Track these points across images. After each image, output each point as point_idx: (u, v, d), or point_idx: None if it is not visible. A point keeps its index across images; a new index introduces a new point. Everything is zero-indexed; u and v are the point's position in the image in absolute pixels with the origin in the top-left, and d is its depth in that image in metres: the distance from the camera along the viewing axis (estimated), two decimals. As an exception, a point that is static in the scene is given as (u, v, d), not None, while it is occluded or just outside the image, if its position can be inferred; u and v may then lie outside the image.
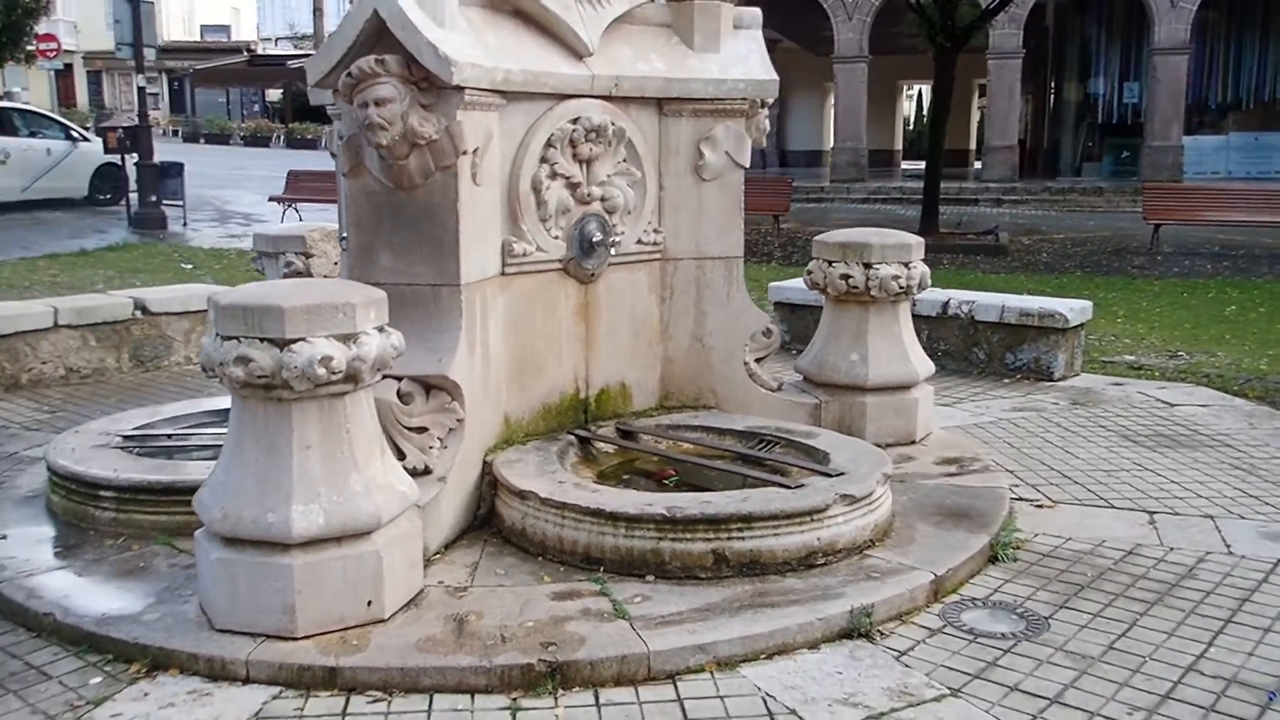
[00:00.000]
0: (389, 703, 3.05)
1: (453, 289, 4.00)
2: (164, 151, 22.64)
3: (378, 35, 3.82)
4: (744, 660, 3.27)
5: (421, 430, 3.97)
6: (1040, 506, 4.69)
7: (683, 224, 4.95)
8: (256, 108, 43.82)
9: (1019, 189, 23.24)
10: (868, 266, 5.19)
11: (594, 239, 4.56)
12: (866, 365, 5.23)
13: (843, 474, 4.07)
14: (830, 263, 5.28)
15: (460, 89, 3.85)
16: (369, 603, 3.32)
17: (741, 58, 4.94)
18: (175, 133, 41.84)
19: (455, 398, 4.02)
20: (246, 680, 3.15)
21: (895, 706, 3.03)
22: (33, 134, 18.53)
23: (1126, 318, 9.88)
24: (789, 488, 3.92)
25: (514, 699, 3.07)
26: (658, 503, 3.74)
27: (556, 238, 4.49)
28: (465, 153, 3.93)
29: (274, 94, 44.03)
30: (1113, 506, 4.69)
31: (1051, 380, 7.12)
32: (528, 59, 4.26)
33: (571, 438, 4.57)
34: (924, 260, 5.37)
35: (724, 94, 4.86)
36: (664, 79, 4.74)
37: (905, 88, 37.77)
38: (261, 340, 3.15)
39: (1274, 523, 4.49)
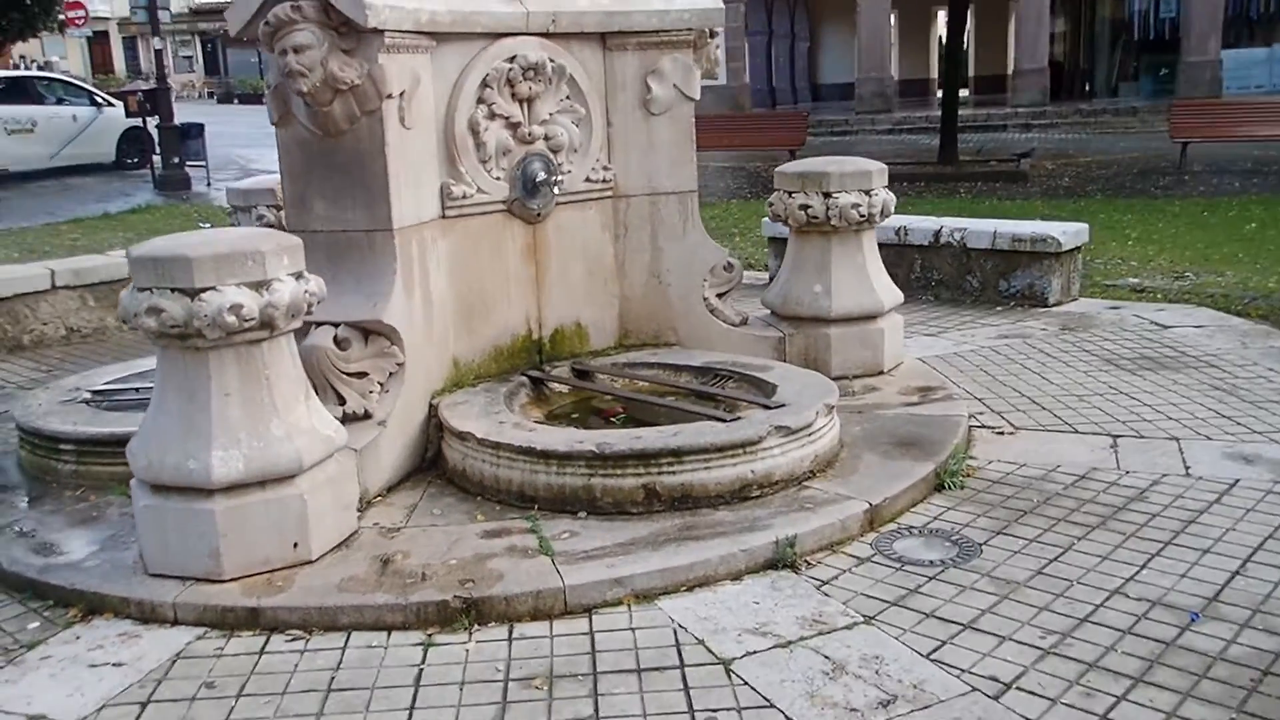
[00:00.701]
0: (306, 640, 3.11)
1: (385, 234, 4.00)
2: (197, 113, 22.83)
3: (292, -20, 3.79)
4: (663, 593, 3.28)
5: (361, 375, 4.00)
6: (1001, 433, 4.63)
7: (633, 160, 4.89)
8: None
9: (1049, 112, 22.65)
10: (827, 195, 5.10)
11: (538, 178, 4.53)
12: (830, 296, 5.17)
13: (783, 406, 4.04)
14: (790, 193, 5.20)
15: (380, 32, 3.82)
16: (295, 545, 3.37)
17: (687, -13, 4.85)
18: (210, 94, 42.08)
19: (394, 342, 4.03)
20: (175, 622, 3.23)
21: (805, 635, 3.02)
22: (59, 101, 18.74)
23: (1139, 240, 9.65)
24: (724, 421, 3.90)
25: (429, 635, 3.11)
26: (589, 440, 3.75)
27: (499, 179, 4.47)
28: (390, 96, 3.91)
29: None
30: (1076, 431, 4.62)
31: (1046, 306, 7.00)
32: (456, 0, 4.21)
33: (524, 379, 4.58)
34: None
35: (668, 25, 4.77)
36: (605, 12, 4.67)
37: (938, 13, 36.81)
38: (172, 290, 3.18)
39: (1241, 443, 4.40)
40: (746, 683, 2.80)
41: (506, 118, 4.45)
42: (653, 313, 5.04)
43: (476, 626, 3.15)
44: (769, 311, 5.41)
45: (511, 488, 3.81)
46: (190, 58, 45.40)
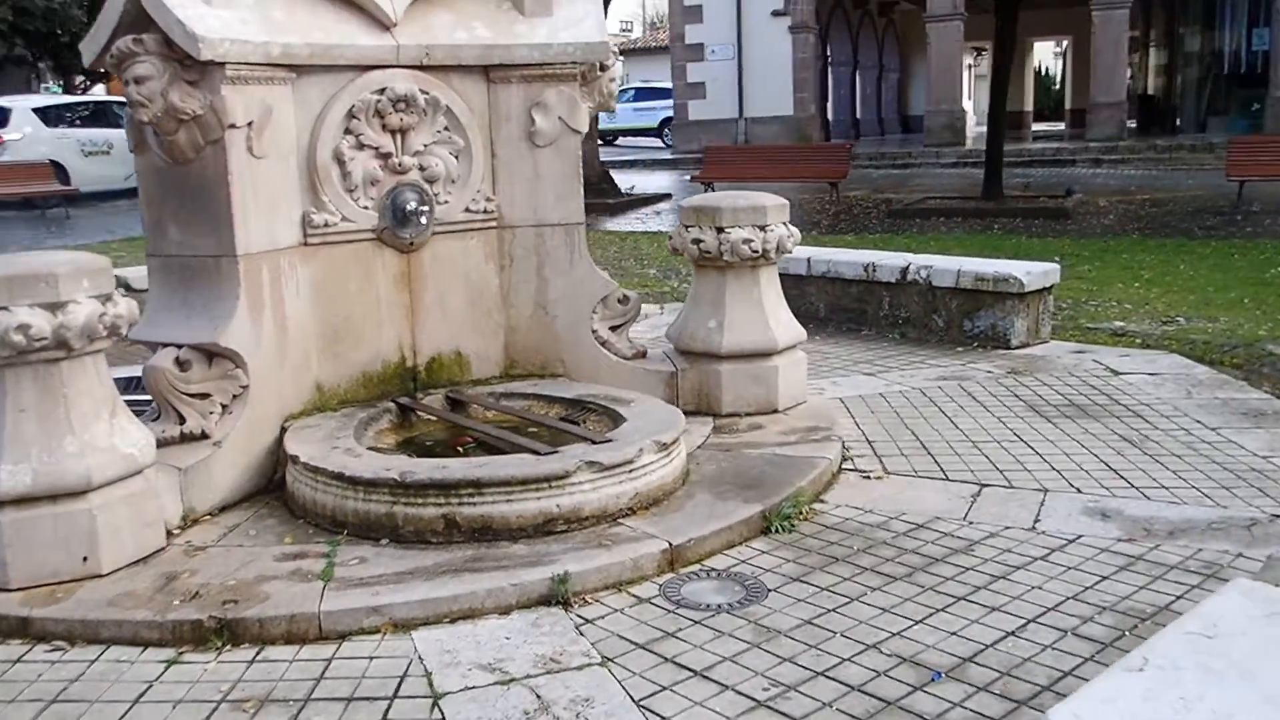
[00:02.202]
0: (65, 652, 3.20)
1: (230, 259, 4.12)
2: None
3: (139, 14, 3.94)
4: (423, 624, 3.28)
5: (204, 396, 4.11)
6: (868, 478, 4.52)
7: (519, 191, 4.93)
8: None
9: (1121, 148, 21.94)
10: (720, 230, 5.07)
11: (408, 208, 4.60)
12: (722, 332, 5.12)
13: (608, 441, 4.01)
14: (686, 227, 5.18)
15: (220, 64, 3.94)
16: (84, 559, 3.47)
17: (575, 21, 4.88)
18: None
19: (238, 365, 4.14)
20: (-43, 629, 3.35)
21: (532, 673, 3.00)
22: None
23: (1148, 282, 9.30)
24: (538, 454, 3.89)
25: (180, 653, 3.17)
26: (395, 468, 3.78)
27: (366, 208, 4.56)
28: (234, 126, 4.03)
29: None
30: (947, 479, 4.48)
31: (1008, 347, 6.80)
32: (318, 32, 4.32)
33: (390, 405, 4.64)
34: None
35: (551, 58, 4.81)
36: (484, 46, 4.73)
37: (1034, 44, 36.13)
38: (-33, 309, 3.32)
39: (1112, 497, 4.21)
40: (443, 718, 2.79)
41: (376, 148, 4.54)
42: (539, 344, 5.06)
43: (229, 647, 3.19)
44: (672, 345, 5.38)
45: (325, 512, 3.87)
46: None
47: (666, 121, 30.71)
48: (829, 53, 31.03)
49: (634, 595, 3.47)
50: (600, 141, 33.86)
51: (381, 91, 4.50)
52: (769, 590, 3.49)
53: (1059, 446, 4.85)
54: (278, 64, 4.17)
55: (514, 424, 4.60)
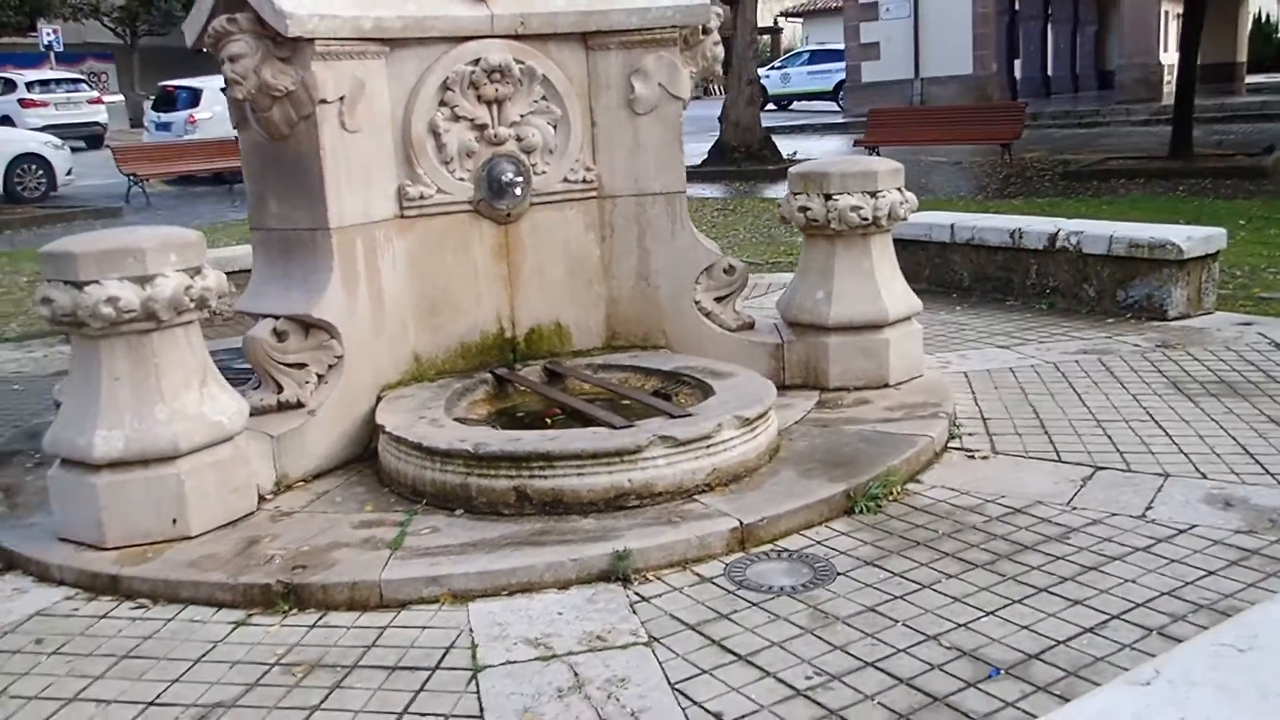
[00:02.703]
0: (147, 609, 3.36)
1: (324, 233, 4.21)
2: None
3: (234, -6, 4.06)
4: (482, 595, 3.29)
5: (300, 366, 4.23)
6: (973, 457, 4.27)
7: (619, 160, 4.86)
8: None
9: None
10: (827, 198, 4.86)
11: (503, 179, 4.60)
12: (830, 303, 4.93)
13: (687, 415, 3.92)
14: (795, 194, 5.00)
15: (310, 40, 4.02)
16: (174, 520, 3.64)
17: (674, -17, 4.76)
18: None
19: (333, 335, 4.24)
20: (60, 583, 3.57)
21: (575, 650, 2.96)
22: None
23: (1344, 247, 8.47)
24: (614, 427, 3.83)
25: (249, 615, 3.29)
26: (470, 439, 3.80)
27: (462, 179, 4.58)
28: (325, 101, 4.11)
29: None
30: (1060, 460, 4.19)
31: (1164, 319, 6.32)
32: (411, 4, 4.36)
33: (487, 376, 4.67)
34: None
35: (650, 23, 4.71)
36: (580, 12, 4.67)
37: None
38: (64, 283, 3.52)
39: (1240, 484, 3.85)
40: (478, 692, 2.79)
41: (472, 119, 4.55)
42: (641, 315, 5.00)
43: (295, 611, 3.29)
44: (780, 316, 5.22)
45: (406, 481, 3.93)
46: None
47: (842, 85, 29.97)
48: (1017, 6, 29.56)
49: (697, 574, 3.39)
50: (774, 106, 33.45)
51: (476, 63, 4.50)
52: (838, 574, 3.34)
53: (1194, 427, 4.46)
54: (369, 38, 4.23)
55: (608, 396, 4.57)
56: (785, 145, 19.42)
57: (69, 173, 18.21)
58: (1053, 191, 12.93)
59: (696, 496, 3.75)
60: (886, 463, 3.99)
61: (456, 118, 4.53)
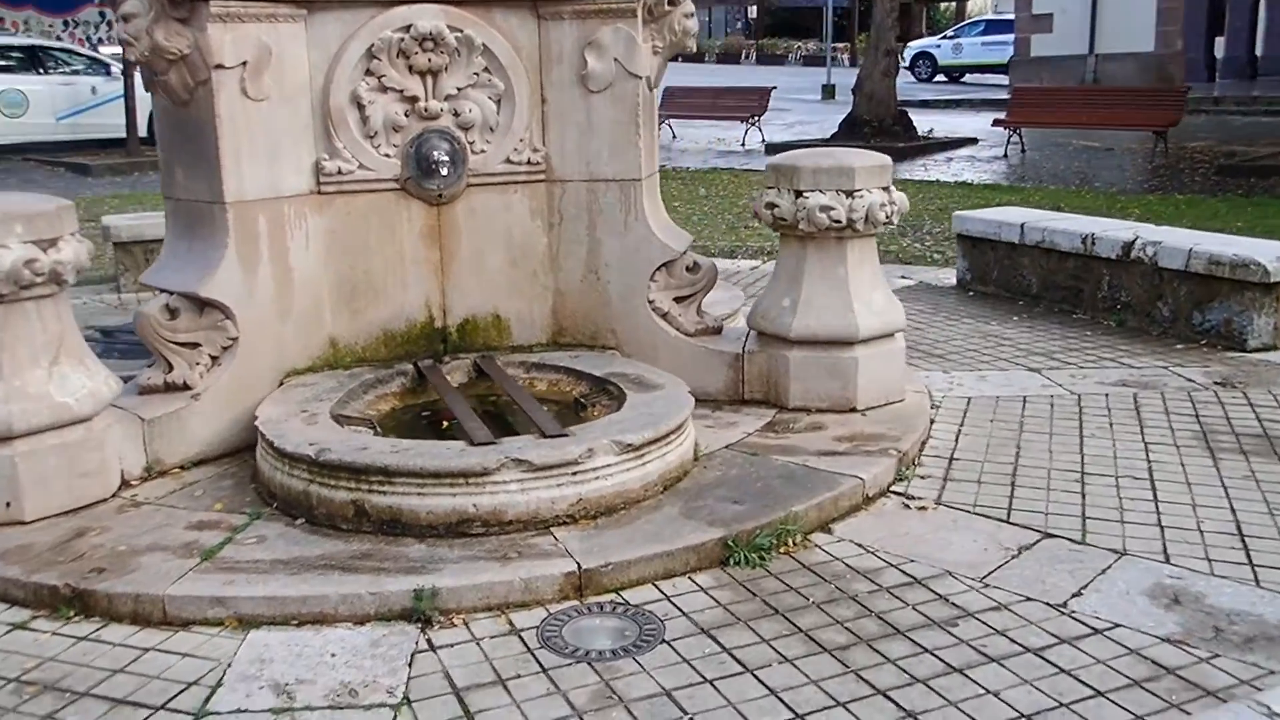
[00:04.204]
0: (-56, 597, 3.20)
1: (220, 206, 3.96)
2: None
3: (133, -50, 3.82)
4: (269, 623, 2.99)
5: (194, 345, 4.01)
6: (909, 507, 3.71)
7: (570, 141, 4.44)
8: (739, 25, 44.85)
9: None
10: (798, 195, 4.32)
11: (433, 157, 4.24)
12: (794, 312, 4.39)
13: (562, 435, 3.50)
14: (767, 189, 4.46)
15: (204, 1, 3.75)
16: (7, 504, 3.47)
17: (635, -54, 4.27)
18: (657, 52, 44.09)
19: (227, 316, 4.00)
20: (-111, 559, 3.45)
21: (316, 704, 2.62)
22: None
23: None
24: (472, 442, 3.46)
25: (33, 617, 3.08)
26: (321, 442, 3.49)
27: (388, 155, 4.25)
28: (221, 66, 3.84)
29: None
30: (1007, 520, 3.58)
31: (1243, 349, 5.49)
32: (332, -36, 4.03)
33: (408, 367, 4.36)
34: None
35: (605, -9, 4.25)
36: (527, -23, 4.25)
37: None
38: (-100, 251, 3.36)
39: (1201, 575, 3.18)
40: (182, 744, 2.50)
41: (401, 91, 4.21)
42: (589, 312, 4.58)
43: (78, 619, 3.06)
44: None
45: (264, 480, 3.66)
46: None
47: (1018, 58, 28.19)
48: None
49: (510, 623, 2.99)
50: (945, 78, 31.87)
51: (407, 29, 4.14)
52: (662, 641, 2.89)
53: (1194, 493, 3.76)
54: (280, 0, 3.93)
55: (538, 397, 4.19)
56: (929, 120, 18.38)
57: None
58: (1199, 188, 11.69)
59: (553, 529, 3.35)
60: (790, 507, 3.48)
61: (384, 89, 4.19)
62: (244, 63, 3.89)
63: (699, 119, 18.06)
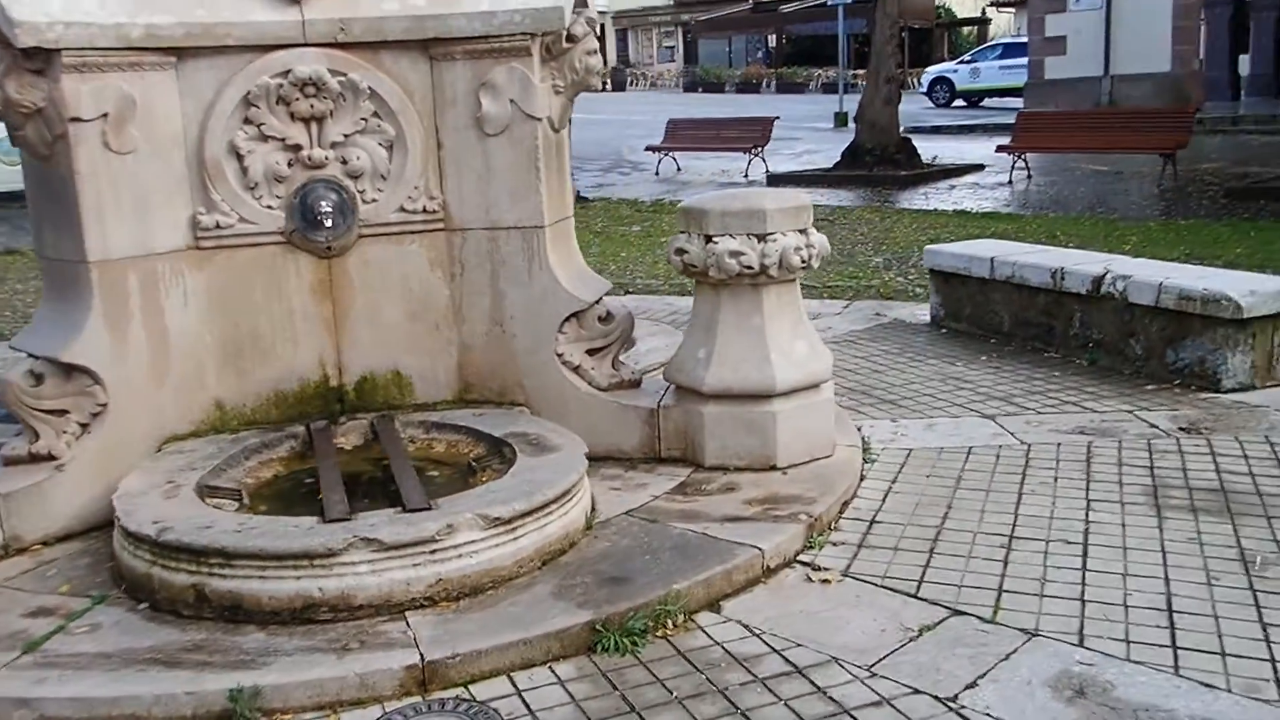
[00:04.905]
0: None
1: (84, 266, 3.75)
2: (654, 101, 22.67)
3: (-17, 0, 3.63)
4: (77, 727, 2.74)
5: (61, 413, 3.79)
6: (811, 579, 3.40)
7: (468, 187, 4.20)
8: (759, 54, 44.74)
9: None
10: (708, 239, 4.05)
11: (318, 208, 4.02)
12: (708, 365, 4.11)
13: (423, 509, 3.23)
14: (679, 233, 4.20)
15: (55, 51, 3.56)
16: None
17: (528, -17, 4.04)
18: (677, 83, 44.11)
19: (96, 381, 3.78)
20: None
21: (89, 829, 2.36)
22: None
23: None
24: (324, 519, 3.19)
25: None
26: (164, 520, 3.24)
27: (270, 207, 4.03)
28: (78, 120, 3.64)
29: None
30: (915, 595, 3.26)
31: (1216, 390, 5.14)
32: (201, 9, 3.82)
33: (299, 430, 4.11)
34: None
35: (497, 29, 4.01)
36: (414, 18, 4.01)
37: None
38: None
39: (1115, 661, 2.85)
40: None
41: (283, 140, 3.99)
42: (496, 367, 4.32)
43: None
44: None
45: (116, 561, 3.42)
46: (672, 48, 47.87)
47: (1037, 81, 27.75)
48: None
49: (334, 726, 2.72)
50: (964, 103, 31.47)
51: (285, 74, 3.93)
52: (497, 748, 2.61)
53: (1129, 561, 3.43)
54: (144, 48, 3.72)
55: (435, 460, 3.95)
56: (940, 147, 18.04)
57: None
58: (1205, 212, 11.28)
59: (407, 614, 3.07)
60: (673, 584, 3.19)
61: (264, 137, 3.97)
62: (105, 114, 3.69)
63: (704, 150, 17.83)
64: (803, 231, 4.07)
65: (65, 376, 3.78)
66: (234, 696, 2.71)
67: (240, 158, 3.96)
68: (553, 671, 2.92)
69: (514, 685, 2.86)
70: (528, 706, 2.76)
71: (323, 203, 4.01)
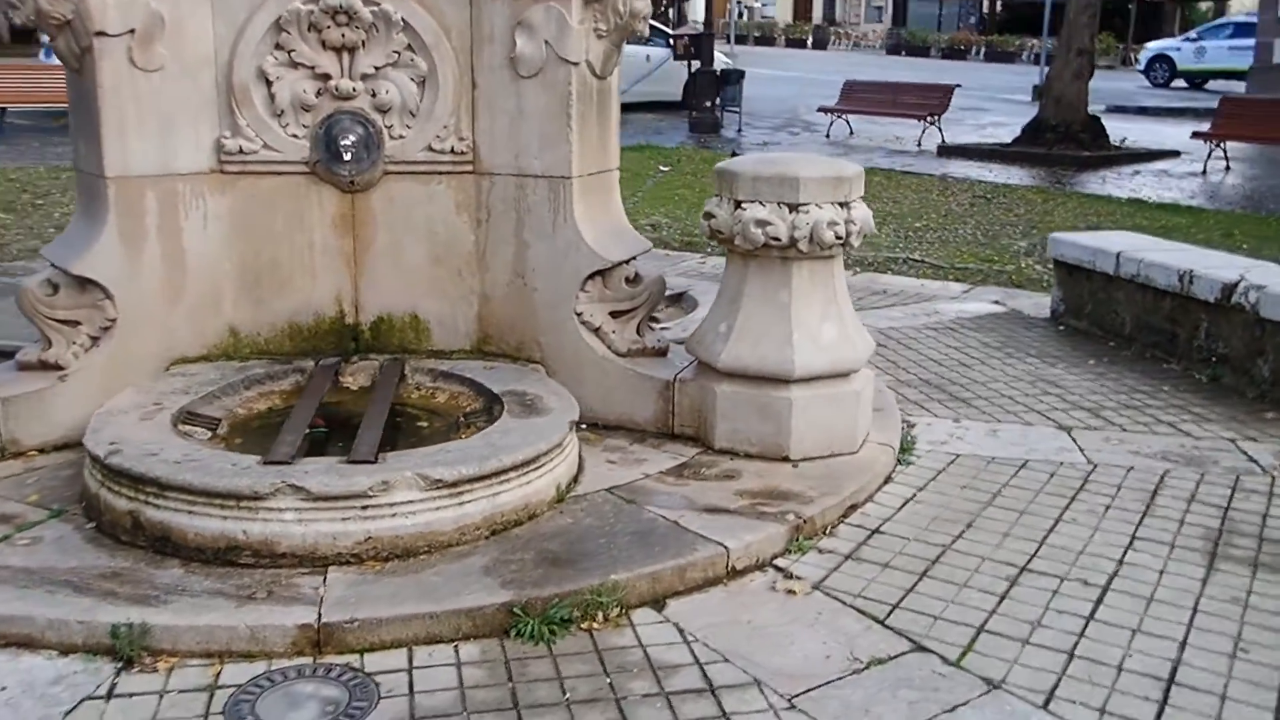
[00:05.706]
0: None
1: (103, 180, 3.75)
2: (853, 62, 22.30)
3: (23, -94, 3.64)
4: (-23, 639, 2.73)
5: (74, 324, 3.83)
6: (776, 589, 3.10)
7: (500, 131, 4.00)
8: (973, 19, 42.60)
9: None
10: (737, 205, 3.73)
11: (343, 141, 3.90)
12: (727, 340, 3.81)
13: (366, 462, 3.09)
14: (712, 196, 3.89)
15: (83, -39, 3.54)
16: None
17: (573, -85, 3.78)
18: (881, 45, 42.55)
19: (107, 296, 3.80)
20: None
21: (-69, 748, 2.34)
22: (644, 41, 20.24)
23: None
24: (265, 460, 3.09)
25: None
26: (121, 441, 3.21)
27: (296, 136, 3.94)
28: (103, 34, 3.62)
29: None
30: (882, 622, 2.92)
31: (1348, 425, 4.50)
32: (235, -74, 3.74)
33: (308, 365, 4.04)
34: None
35: (535, -37, 3.78)
36: (450, -54, 3.83)
37: None
38: None
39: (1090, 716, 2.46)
40: None
41: (312, 68, 3.89)
42: (515, 320, 4.14)
43: None
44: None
45: (84, 476, 3.43)
46: (880, 8, 46.17)
47: (1273, 65, 25.36)
48: None
49: (212, 680, 2.61)
50: (1186, 84, 29.14)
51: (317, 1, 3.81)
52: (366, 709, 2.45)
53: (1149, 615, 2.99)
54: (176, -37, 3.67)
55: (432, 410, 3.83)
56: (1140, 130, 16.73)
57: None
58: None
59: (331, 568, 2.95)
60: (611, 574, 2.95)
61: (294, 64, 3.88)
62: (131, 30, 3.66)
63: (880, 115, 17.07)
64: (843, 205, 3.70)
65: (79, 288, 3.81)
66: (116, 632, 2.65)
67: (269, 83, 3.88)
68: (456, 652, 2.74)
69: (408, 661, 2.70)
70: (410, 687, 2.59)
71: (348, 135, 3.90)
